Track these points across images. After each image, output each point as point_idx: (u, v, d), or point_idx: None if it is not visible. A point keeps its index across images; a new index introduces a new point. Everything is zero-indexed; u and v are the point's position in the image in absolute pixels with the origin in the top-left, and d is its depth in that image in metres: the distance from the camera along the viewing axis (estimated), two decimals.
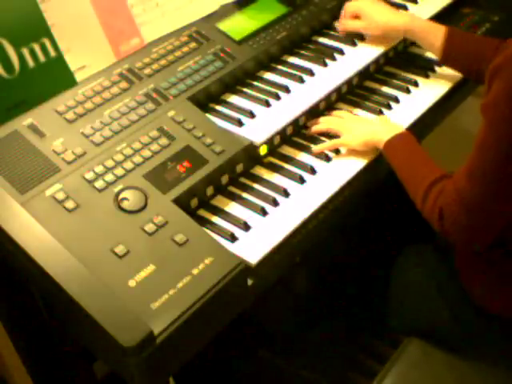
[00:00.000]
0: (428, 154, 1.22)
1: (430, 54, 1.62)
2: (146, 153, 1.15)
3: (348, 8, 1.53)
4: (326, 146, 1.31)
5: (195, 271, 1.00)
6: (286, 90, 1.38)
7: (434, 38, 1.43)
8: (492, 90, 1.04)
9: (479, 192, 1.06)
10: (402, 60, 1.62)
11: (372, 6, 1.50)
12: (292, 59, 1.49)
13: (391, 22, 1.47)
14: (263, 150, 1.29)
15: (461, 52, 1.42)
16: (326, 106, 1.43)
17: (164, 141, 1.18)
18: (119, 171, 1.12)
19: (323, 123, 1.36)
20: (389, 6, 1.53)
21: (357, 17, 1.51)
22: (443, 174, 1.16)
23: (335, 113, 1.39)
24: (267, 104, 1.34)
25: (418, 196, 1.17)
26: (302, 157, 1.32)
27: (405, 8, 1.67)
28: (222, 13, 1.46)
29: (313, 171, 1.28)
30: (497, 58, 1.05)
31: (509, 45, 1.04)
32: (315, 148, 1.31)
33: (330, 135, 1.35)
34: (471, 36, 1.47)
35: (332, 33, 1.57)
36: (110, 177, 1.10)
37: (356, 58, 1.48)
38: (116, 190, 1.09)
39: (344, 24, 1.53)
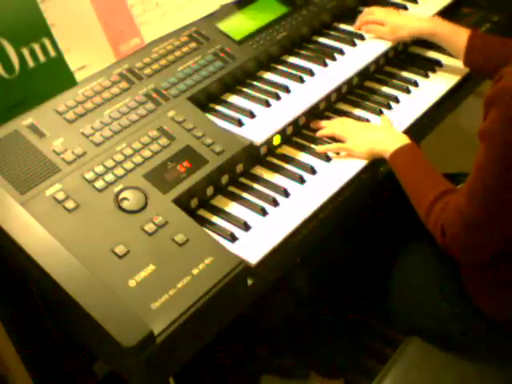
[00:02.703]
0: (433, 166, 1.24)
1: (430, 54, 1.62)
2: (146, 153, 1.15)
3: (372, 16, 1.56)
4: (330, 147, 1.32)
5: (195, 271, 1.00)
6: (286, 89, 1.38)
7: (456, 42, 1.46)
8: (488, 118, 1.08)
9: (478, 213, 1.09)
10: (401, 60, 1.62)
11: (395, 15, 1.55)
12: (292, 59, 1.49)
13: (415, 28, 1.51)
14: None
15: (483, 55, 1.44)
16: (325, 106, 1.43)
17: (164, 141, 1.18)
18: (119, 171, 1.12)
19: (328, 128, 1.36)
20: (410, 13, 1.59)
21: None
22: (447, 188, 1.18)
23: (338, 119, 1.40)
24: (267, 104, 1.34)
25: (421, 209, 1.20)
26: (302, 157, 1.32)
27: (405, 8, 1.67)
28: (222, 13, 1.46)
29: (313, 171, 1.28)
30: (491, 88, 1.08)
31: (502, 75, 1.06)
32: (319, 148, 1.32)
33: (334, 139, 1.35)
34: (494, 38, 1.49)
35: (332, 33, 1.58)
36: (110, 177, 1.10)
37: (356, 58, 1.48)
38: (116, 189, 1.09)
39: (369, 29, 1.55)
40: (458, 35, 1.46)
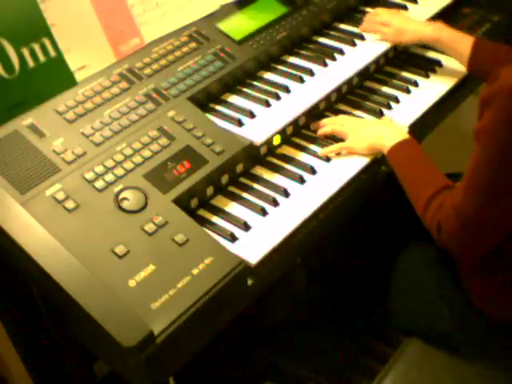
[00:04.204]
0: (431, 161, 1.24)
1: (430, 54, 1.62)
2: (146, 153, 1.15)
3: (378, 17, 1.56)
4: (332, 149, 1.32)
5: (195, 271, 1.00)
6: (286, 89, 1.38)
7: (461, 48, 1.47)
8: (483, 118, 1.08)
9: (474, 210, 1.10)
10: (401, 60, 1.62)
11: (400, 18, 1.55)
12: (292, 59, 1.49)
13: (420, 33, 1.51)
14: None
15: (487, 62, 1.44)
16: (325, 106, 1.43)
17: (164, 141, 1.18)
18: (119, 171, 1.12)
19: (328, 125, 1.36)
20: (416, 19, 1.58)
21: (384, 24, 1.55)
22: (445, 184, 1.18)
23: (337, 117, 1.40)
24: (267, 104, 1.34)
25: (419, 205, 1.20)
26: (302, 157, 1.32)
27: (405, 8, 1.67)
28: (222, 13, 1.46)
29: (313, 171, 1.28)
30: (486, 89, 1.08)
31: (497, 76, 1.06)
32: (322, 152, 1.32)
33: (335, 137, 1.35)
34: (498, 46, 1.49)
35: (332, 33, 1.58)
36: (110, 177, 1.10)
37: (356, 58, 1.48)
38: (116, 189, 1.09)
39: (373, 29, 1.55)
40: (462, 43, 1.47)
